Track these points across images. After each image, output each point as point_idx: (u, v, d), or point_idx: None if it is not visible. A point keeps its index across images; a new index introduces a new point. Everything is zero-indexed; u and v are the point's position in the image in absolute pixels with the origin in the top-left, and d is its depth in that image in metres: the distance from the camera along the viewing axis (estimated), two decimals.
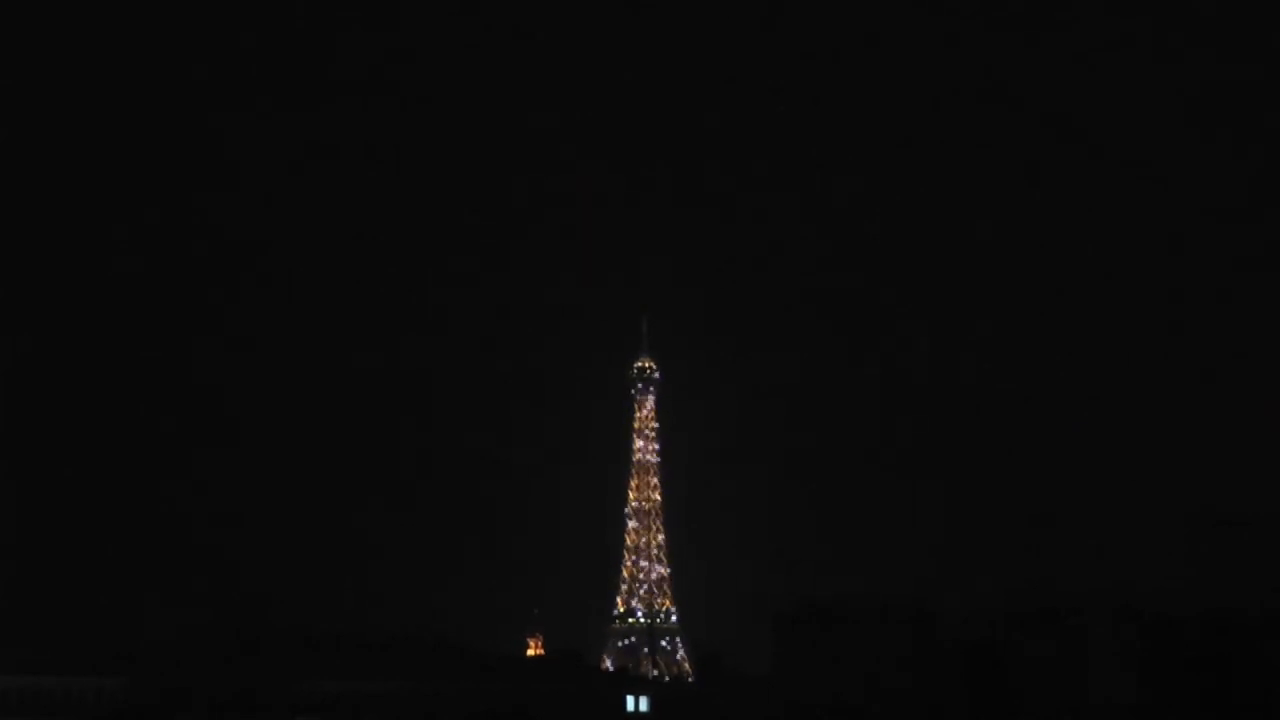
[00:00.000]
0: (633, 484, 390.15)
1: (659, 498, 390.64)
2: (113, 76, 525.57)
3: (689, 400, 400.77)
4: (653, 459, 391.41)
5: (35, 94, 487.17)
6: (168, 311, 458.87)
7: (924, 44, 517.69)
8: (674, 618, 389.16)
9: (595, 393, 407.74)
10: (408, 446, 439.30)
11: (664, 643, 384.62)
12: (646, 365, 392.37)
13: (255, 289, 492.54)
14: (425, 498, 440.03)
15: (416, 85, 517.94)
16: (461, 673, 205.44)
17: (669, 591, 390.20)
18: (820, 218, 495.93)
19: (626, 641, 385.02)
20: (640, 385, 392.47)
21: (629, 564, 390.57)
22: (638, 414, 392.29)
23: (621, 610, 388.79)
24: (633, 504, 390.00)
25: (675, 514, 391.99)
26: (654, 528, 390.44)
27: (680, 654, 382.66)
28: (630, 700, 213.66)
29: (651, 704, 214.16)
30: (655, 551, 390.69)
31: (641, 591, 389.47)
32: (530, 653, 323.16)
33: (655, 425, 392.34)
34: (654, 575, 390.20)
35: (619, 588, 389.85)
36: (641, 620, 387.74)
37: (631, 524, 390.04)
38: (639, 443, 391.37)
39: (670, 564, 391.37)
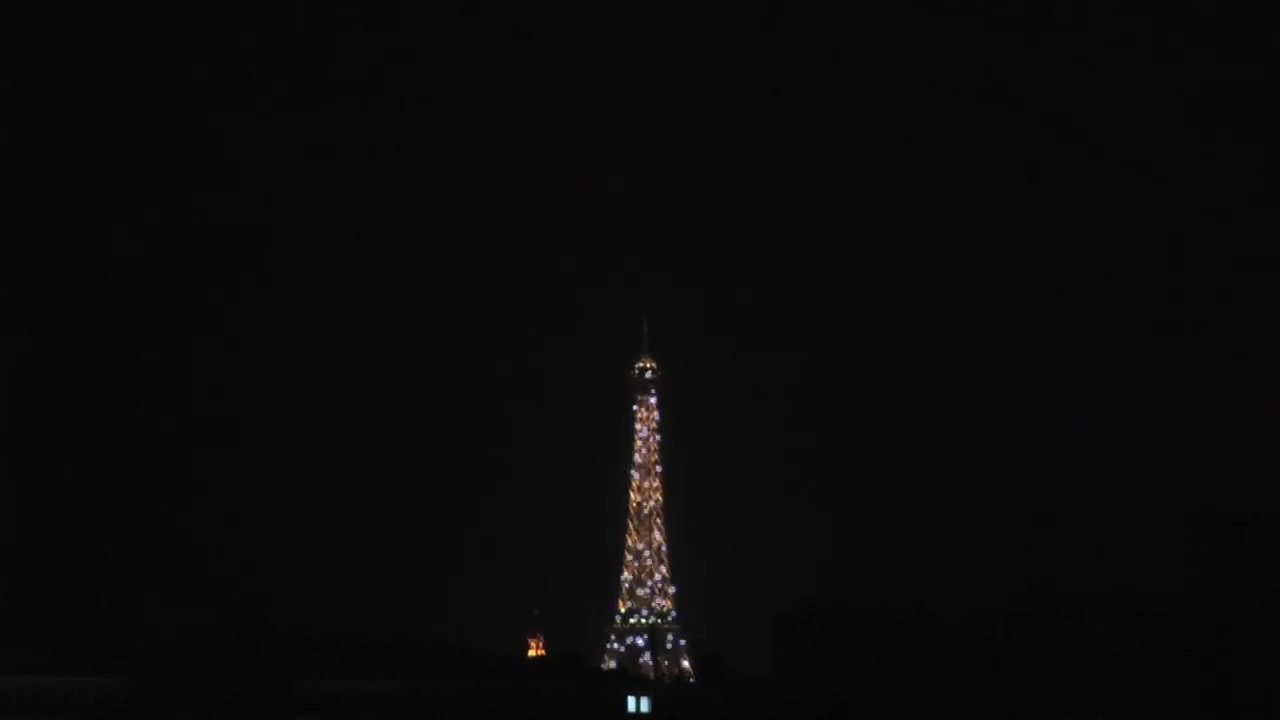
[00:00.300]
0: (633, 484, 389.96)
1: (659, 498, 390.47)
2: (112, 76, 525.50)
3: (689, 400, 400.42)
4: (653, 459, 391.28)
5: (35, 94, 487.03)
6: (167, 311, 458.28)
7: (924, 44, 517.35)
8: (674, 618, 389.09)
9: (595, 393, 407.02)
10: (407, 446, 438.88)
11: (663, 642, 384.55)
12: (646, 365, 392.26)
13: (255, 289, 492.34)
14: (425, 498, 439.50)
15: (416, 85, 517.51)
16: (461, 673, 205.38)
17: (669, 592, 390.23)
18: (820, 218, 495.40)
19: (628, 641, 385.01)
20: (640, 385, 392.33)
21: (629, 564, 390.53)
22: (638, 414, 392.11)
23: (622, 611, 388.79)
24: (633, 504, 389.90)
25: (676, 514, 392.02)
26: (654, 528, 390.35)
27: (681, 654, 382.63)
28: (630, 700, 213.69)
29: (652, 704, 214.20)
30: (655, 552, 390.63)
31: (642, 592, 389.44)
32: (531, 653, 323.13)
33: (655, 425, 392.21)
34: (654, 575, 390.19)
35: (619, 588, 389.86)
36: (642, 620, 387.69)
37: (632, 524, 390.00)
38: (639, 443, 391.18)
39: (670, 564, 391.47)
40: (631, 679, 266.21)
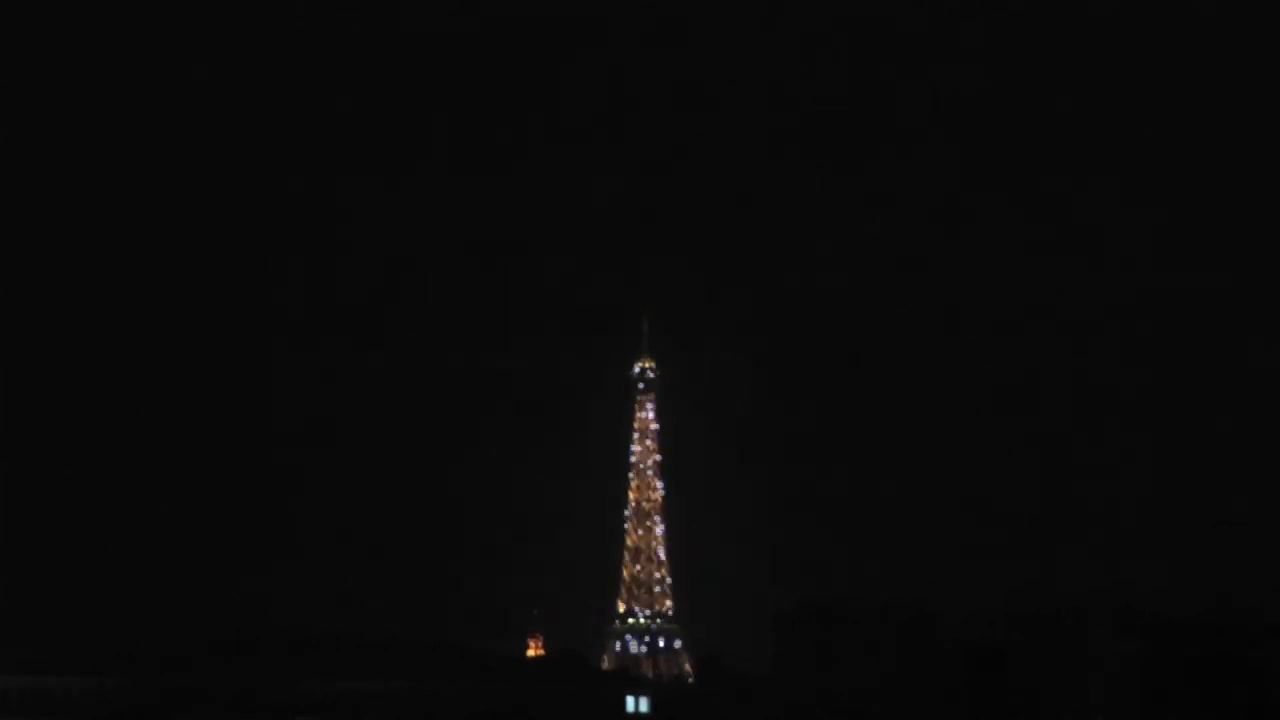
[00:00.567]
0: (633, 484, 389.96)
1: (659, 498, 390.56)
2: (113, 76, 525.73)
3: (689, 401, 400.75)
4: (653, 459, 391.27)
5: (35, 94, 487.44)
6: (167, 311, 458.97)
7: (924, 43, 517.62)
8: (674, 618, 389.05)
9: (595, 393, 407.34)
10: (406, 447, 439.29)
11: (663, 643, 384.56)
12: (646, 365, 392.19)
13: (255, 289, 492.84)
14: (425, 498, 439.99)
15: (416, 84, 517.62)
16: (461, 673, 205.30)
17: (669, 592, 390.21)
18: (820, 218, 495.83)
19: (628, 641, 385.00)
20: (640, 386, 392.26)
21: (629, 564, 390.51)
22: (638, 414, 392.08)
23: (622, 611, 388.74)
24: (633, 504, 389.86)
25: (675, 514, 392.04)
26: (654, 528, 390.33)
27: (680, 654, 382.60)
28: (630, 700, 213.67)
29: (651, 704, 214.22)
30: (655, 551, 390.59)
31: (641, 592, 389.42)
32: (530, 653, 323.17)
33: (655, 426, 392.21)
34: (654, 575, 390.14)
35: (619, 588, 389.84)
36: (642, 621, 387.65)
37: (631, 524, 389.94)
38: (639, 443, 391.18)
39: (670, 564, 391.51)
40: (631, 679, 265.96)
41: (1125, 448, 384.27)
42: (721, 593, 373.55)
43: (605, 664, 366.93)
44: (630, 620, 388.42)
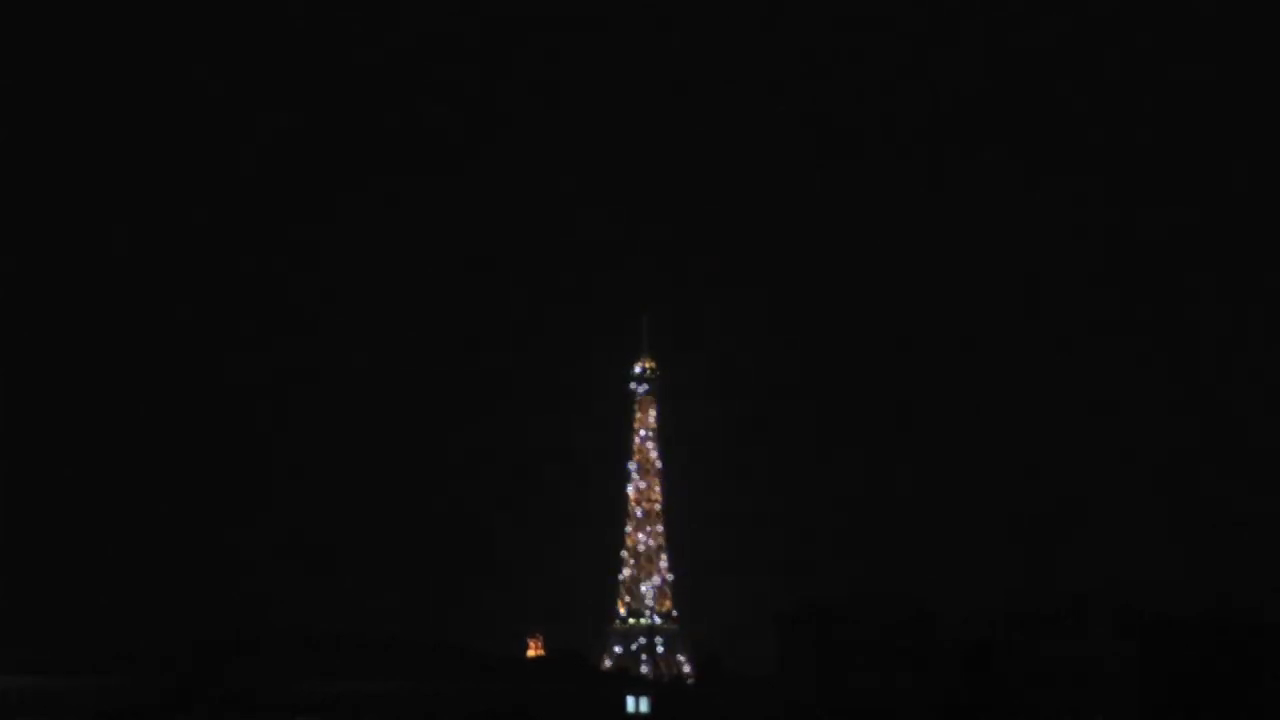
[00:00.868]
0: (633, 484, 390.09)
1: (659, 498, 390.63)
2: (112, 76, 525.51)
3: (690, 400, 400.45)
4: (653, 459, 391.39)
5: (35, 94, 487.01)
6: (167, 311, 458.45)
7: (924, 44, 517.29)
8: (674, 618, 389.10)
9: (595, 393, 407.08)
10: (406, 446, 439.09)
11: (663, 643, 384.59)
12: (646, 365, 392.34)
13: (255, 289, 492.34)
14: (425, 497, 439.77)
15: (417, 87, 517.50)
16: (461, 673, 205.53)
17: (669, 591, 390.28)
18: (820, 218, 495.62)
19: (628, 641, 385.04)
20: (641, 386, 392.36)
21: (629, 564, 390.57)
22: (638, 414, 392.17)
23: (622, 611, 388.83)
24: (633, 504, 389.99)
25: (676, 514, 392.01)
26: (654, 528, 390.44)
27: (680, 654, 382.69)
28: (630, 700, 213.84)
29: (652, 704, 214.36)
30: (655, 552, 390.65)
31: (641, 592, 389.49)
32: (530, 653, 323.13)
33: (655, 426, 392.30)
34: (654, 576, 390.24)
35: (619, 588, 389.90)
36: (642, 621, 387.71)
37: (631, 524, 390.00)
38: (639, 443, 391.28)
39: (670, 564, 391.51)
40: (631, 679, 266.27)
41: (1126, 447, 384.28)
42: (721, 593, 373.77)
43: (605, 664, 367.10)
44: (630, 620, 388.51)
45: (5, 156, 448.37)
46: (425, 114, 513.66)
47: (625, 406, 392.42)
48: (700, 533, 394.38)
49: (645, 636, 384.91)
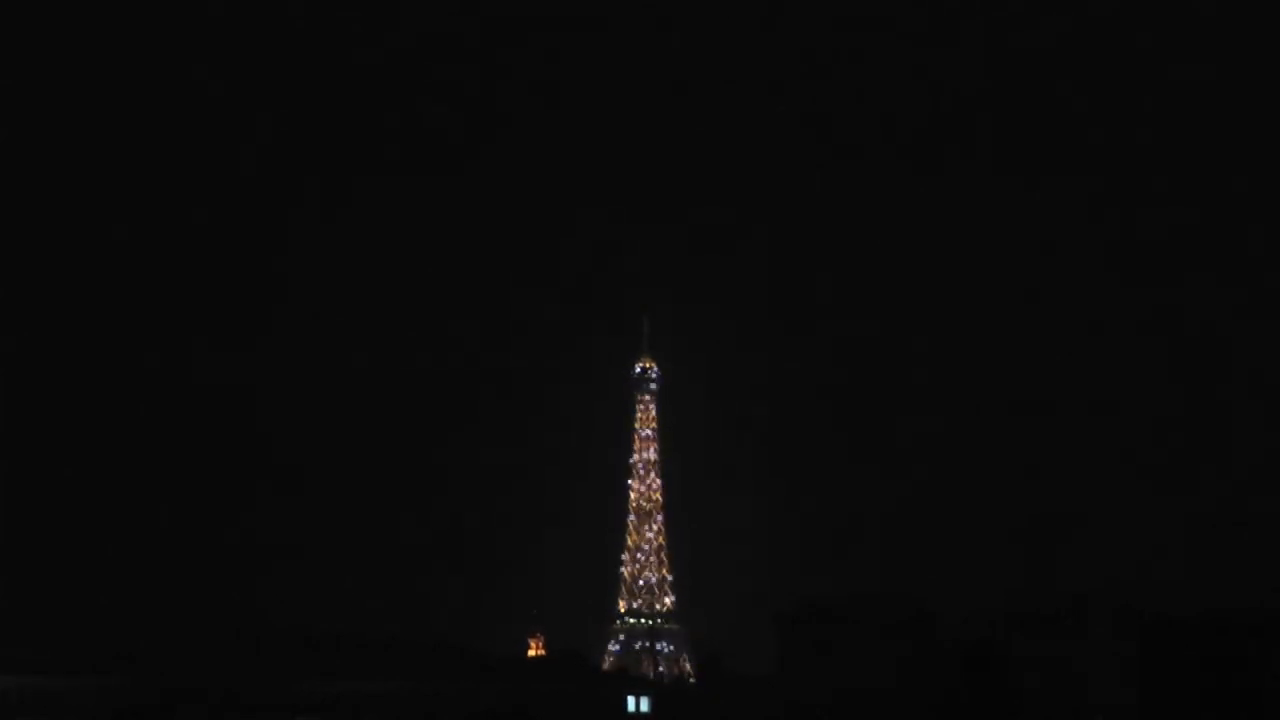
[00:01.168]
0: (633, 484, 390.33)
1: (659, 497, 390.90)
2: (112, 76, 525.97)
3: (689, 400, 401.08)
4: (653, 459, 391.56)
5: (34, 94, 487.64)
6: (167, 311, 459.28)
7: (924, 44, 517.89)
8: (674, 618, 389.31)
9: (595, 393, 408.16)
10: (406, 447, 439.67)
11: (663, 643, 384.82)
12: (646, 365, 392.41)
13: (255, 289, 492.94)
14: (425, 498, 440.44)
15: (418, 86, 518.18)
16: (461, 673, 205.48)
17: (669, 591, 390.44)
18: (820, 218, 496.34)
19: (628, 641, 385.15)
20: (641, 386, 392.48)
21: (629, 564, 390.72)
22: (638, 414, 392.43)
23: (622, 610, 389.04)
24: (633, 504, 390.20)
25: (676, 514, 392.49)
26: (654, 527, 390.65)
27: (680, 654, 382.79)
28: (630, 700, 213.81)
29: (652, 704, 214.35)
30: (655, 551, 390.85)
31: (642, 591, 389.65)
32: (530, 653, 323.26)
33: (655, 425, 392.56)
34: (654, 575, 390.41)
35: (619, 587, 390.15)
36: (642, 620, 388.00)
37: (632, 524, 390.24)
38: (639, 443, 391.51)
39: (670, 564, 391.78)
40: (631, 679, 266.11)
41: (1126, 448, 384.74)
42: (721, 593, 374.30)
43: (605, 664, 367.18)
44: (630, 620, 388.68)
45: (5, 156, 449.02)
46: (425, 114, 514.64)
47: (625, 406, 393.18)
48: (700, 532, 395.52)
49: (645, 636, 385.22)
